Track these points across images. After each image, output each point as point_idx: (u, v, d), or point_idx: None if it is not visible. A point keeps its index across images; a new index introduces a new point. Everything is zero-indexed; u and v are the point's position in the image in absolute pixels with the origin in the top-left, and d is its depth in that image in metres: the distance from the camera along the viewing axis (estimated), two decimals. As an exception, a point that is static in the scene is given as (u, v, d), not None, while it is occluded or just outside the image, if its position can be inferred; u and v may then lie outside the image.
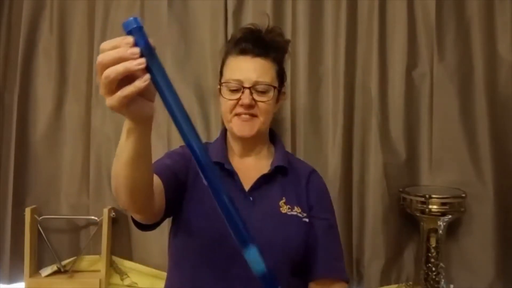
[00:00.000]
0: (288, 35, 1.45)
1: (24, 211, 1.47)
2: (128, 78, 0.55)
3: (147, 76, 0.55)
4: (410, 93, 1.44)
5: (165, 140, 1.48)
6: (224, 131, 1.13)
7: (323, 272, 1.01)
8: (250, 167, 1.05)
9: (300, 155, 1.44)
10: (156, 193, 0.81)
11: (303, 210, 1.02)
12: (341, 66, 1.43)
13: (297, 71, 1.45)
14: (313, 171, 1.12)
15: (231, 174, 1.01)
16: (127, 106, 0.57)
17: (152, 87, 0.57)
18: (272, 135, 1.16)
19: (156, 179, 0.85)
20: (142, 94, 0.58)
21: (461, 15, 1.43)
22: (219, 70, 1.12)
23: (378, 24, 1.43)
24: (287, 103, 1.45)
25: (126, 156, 0.68)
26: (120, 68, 0.55)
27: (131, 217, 0.90)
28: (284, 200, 1.00)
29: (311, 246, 1.01)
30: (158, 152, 1.44)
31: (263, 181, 1.02)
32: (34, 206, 1.50)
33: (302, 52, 1.45)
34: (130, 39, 0.57)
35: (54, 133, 1.54)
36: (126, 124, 0.64)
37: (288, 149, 1.43)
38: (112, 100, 0.56)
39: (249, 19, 1.43)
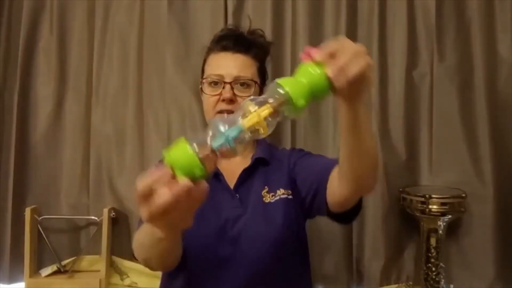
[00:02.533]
0: (288, 35, 1.46)
1: (24, 211, 1.47)
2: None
3: (165, 194, 0.50)
4: (410, 93, 1.45)
5: (165, 140, 1.48)
6: None
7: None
8: (238, 165, 1.03)
9: (300, 155, 1.44)
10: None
11: (286, 189, 1.00)
12: (341, 66, 1.42)
13: (297, 71, 1.45)
14: (292, 149, 1.13)
15: (216, 175, 1.00)
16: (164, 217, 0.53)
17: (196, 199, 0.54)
18: None
19: None
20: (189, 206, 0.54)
21: (461, 15, 1.43)
22: (201, 68, 1.11)
23: (378, 24, 1.43)
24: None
25: (157, 253, 0.72)
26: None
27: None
28: (266, 189, 0.99)
29: (308, 173, 0.97)
30: (158, 151, 1.46)
31: (245, 175, 1.01)
32: (34, 206, 1.50)
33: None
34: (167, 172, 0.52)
35: (54, 133, 1.54)
36: (160, 234, 0.59)
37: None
38: (145, 212, 0.52)
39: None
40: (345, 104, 0.65)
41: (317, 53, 0.58)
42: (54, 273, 1.50)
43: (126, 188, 1.51)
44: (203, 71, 1.09)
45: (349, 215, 0.89)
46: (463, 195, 1.33)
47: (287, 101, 0.57)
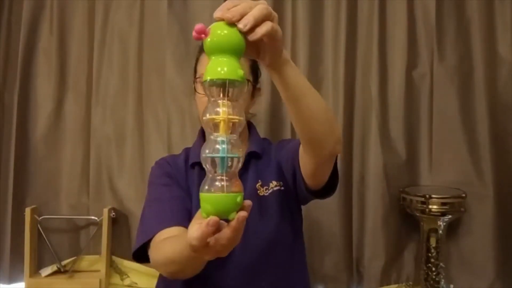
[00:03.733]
0: (288, 35, 1.46)
1: (24, 211, 1.47)
2: None
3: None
4: (410, 93, 1.45)
5: (165, 140, 1.48)
6: (202, 131, 1.12)
7: None
8: None
9: (300, 155, 1.44)
10: None
11: (278, 180, 1.01)
12: (341, 66, 1.43)
13: (297, 71, 1.45)
14: (280, 141, 1.13)
15: None
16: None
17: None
18: (250, 127, 1.14)
19: (183, 231, 0.86)
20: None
21: (461, 15, 1.43)
22: (193, 69, 1.10)
23: (378, 24, 1.43)
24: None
25: (193, 268, 0.77)
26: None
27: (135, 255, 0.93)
28: (260, 183, 1.00)
29: (287, 158, 0.98)
30: (158, 151, 1.46)
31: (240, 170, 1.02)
32: (34, 206, 1.50)
33: (302, 53, 1.44)
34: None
35: (54, 133, 1.54)
36: (202, 258, 0.67)
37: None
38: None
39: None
40: (269, 68, 0.68)
41: (221, 12, 0.60)
42: (54, 273, 1.49)
43: (126, 188, 1.51)
44: (195, 71, 1.09)
45: (327, 189, 0.91)
46: (463, 195, 1.33)
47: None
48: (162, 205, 0.95)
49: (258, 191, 0.99)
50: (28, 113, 1.54)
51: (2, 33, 1.55)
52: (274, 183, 1.00)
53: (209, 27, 0.61)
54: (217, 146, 0.58)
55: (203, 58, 1.07)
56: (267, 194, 0.99)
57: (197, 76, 1.05)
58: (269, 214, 0.97)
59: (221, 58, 0.59)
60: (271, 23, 0.60)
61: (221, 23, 0.59)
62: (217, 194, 0.57)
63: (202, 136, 1.11)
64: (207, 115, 0.59)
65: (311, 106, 0.73)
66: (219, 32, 0.59)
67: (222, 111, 0.58)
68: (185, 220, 0.89)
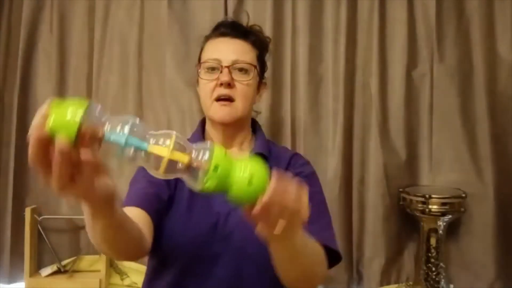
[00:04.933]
0: (288, 35, 1.46)
1: (24, 211, 1.47)
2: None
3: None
4: (410, 93, 1.45)
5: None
6: (202, 123, 1.07)
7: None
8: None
9: (300, 155, 1.44)
10: (145, 231, 0.76)
11: None
12: (341, 66, 1.43)
13: (297, 71, 1.45)
14: (294, 155, 1.06)
15: None
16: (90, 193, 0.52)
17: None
18: (254, 126, 1.09)
19: (140, 214, 0.81)
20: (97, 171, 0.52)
21: (461, 15, 1.43)
22: (198, 57, 1.05)
23: (378, 24, 1.43)
24: (287, 103, 1.45)
25: (100, 237, 0.64)
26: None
27: None
28: None
29: None
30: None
31: None
32: (34, 206, 1.50)
33: (302, 52, 1.44)
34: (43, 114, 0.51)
35: (54, 133, 1.54)
36: (88, 209, 0.57)
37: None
38: (70, 199, 0.52)
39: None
40: (274, 244, 0.64)
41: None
42: (54, 273, 1.50)
43: (126, 188, 1.50)
44: (199, 60, 1.03)
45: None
46: (463, 195, 1.33)
47: (203, 171, 0.52)
48: (134, 187, 0.93)
49: None
50: (28, 113, 1.54)
51: (2, 33, 1.55)
52: None
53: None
54: (139, 138, 0.51)
55: (208, 44, 1.02)
56: None
57: (201, 61, 1.00)
58: None
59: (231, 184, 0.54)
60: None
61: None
62: (78, 115, 0.49)
63: (202, 127, 1.06)
64: (177, 137, 0.53)
65: (304, 264, 0.72)
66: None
67: (176, 156, 0.52)
68: (150, 205, 0.85)
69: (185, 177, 0.54)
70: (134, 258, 0.80)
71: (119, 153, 0.51)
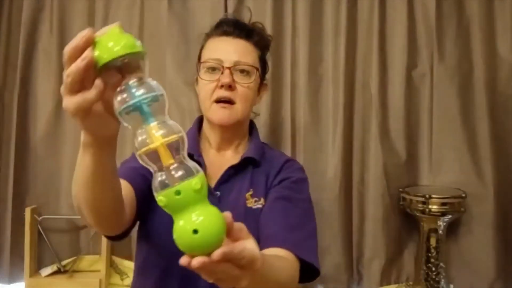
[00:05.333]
0: (288, 35, 1.46)
1: (24, 211, 1.47)
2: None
3: (98, 83, 0.51)
4: (410, 93, 1.45)
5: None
6: (199, 121, 1.05)
7: (275, 241, 0.83)
8: (227, 160, 0.96)
9: (300, 155, 1.44)
10: (126, 204, 0.74)
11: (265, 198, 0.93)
12: (341, 66, 1.43)
13: (297, 71, 1.45)
14: (288, 160, 1.02)
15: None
16: (85, 116, 0.53)
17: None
18: (251, 127, 1.07)
19: (125, 185, 0.79)
20: (109, 111, 0.54)
21: (461, 15, 1.43)
22: (197, 55, 1.03)
23: (378, 24, 1.43)
24: (287, 103, 1.45)
25: (82, 176, 0.61)
26: (73, 67, 0.50)
27: None
28: (251, 192, 0.92)
29: (262, 221, 0.88)
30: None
31: (231, 172, 0.94)
32: (34, 206, 1.50)
33: (302, 52, 1.44)
34: (85, 33, 0.50)
35: (54, 133, 1.54)
36: (82, 137, 0.58)
37: (288, 149, 1.44)
38: (68, 102, 0.52)
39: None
40: None
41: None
42: (54, 273, 1.50)
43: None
44: (199, 58, 1.01)
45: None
46: (463, 195, 1.33)
47: (167, 185, 0.50)
48: (125, 165, 0.91)
49: (247, 201, 0.92)
50: (28, 113, 1.54)
51: (2, 33, 1.55)
52: (264, 201, 0.92)
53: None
54: (149, 103, 0.51)
55: (210, 43, 1.00)
56: (255, 207, 0.91)
57: (202, 61, 0.98)
58: (253, 229, 0.89)
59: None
60: None
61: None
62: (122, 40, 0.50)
63: (198, 124, 1.04)
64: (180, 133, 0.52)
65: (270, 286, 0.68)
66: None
67: (166, 139, 0.50)
68: (135, 180, 0.82)
69: (154, 173, 0.52)
70: (106, 226, 0.74)
71: (126, 106, 0.51)
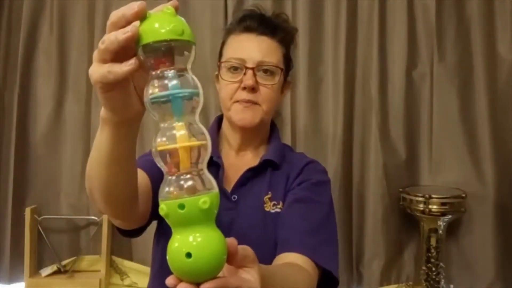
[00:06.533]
0: (288, 35, 1.46)
1: (24, 211, 1.47)
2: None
3: (132, 61, 0.47)
4: (410, 93, 1.45)
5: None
6: (219, 121, 1.00)
7: (291, 246, 0.79)
8: (246, 162, 0.92)
9: (300, 155, 1.44)
10: (141, 194, 0.70)
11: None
12: (341, 66, 1.43)
13: (297, 71, 1.45)
14: (310, 162, 0.96)
15: (217, 169, 0.88)
16: (107, 89, 0.49)
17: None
18: (272, 128, 1.01)
19: (142, 176, 0.76)
20: (137, 92, 0.51)
21: (461, 15, 1.43)
22: (218, 52, 0.96)
23: (378, 24, 1.43)
24: (287, 103, 1.45)
25: (95, 152, 0.58)
26: (112, 36, 0.47)
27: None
28: (269, 195, 0.88)
29: (279, 224, 0.85)
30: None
31: (249, 175, 0.90)
32: (34, 206, 1.50)
33: (302, 52, 1.44)
34: (135, 6, 0.47)
35: (54, 133, 1.54)
36: (102, 112, 0.54)
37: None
38: (94, 69, 0.49)
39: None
40: None
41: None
42: (54, 273, 1.50)
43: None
44: (220, 55, 0.94)
45: None
46: (463, 195, 1.33)
47: (172, 193, 0.46)
48: (143, 157, 0.88)
49: (265, 205, 0.87)
50: (28, 113, 1.54)
51: (2, 33, 1.55)
52: (282, 204, 0.88)
53: None
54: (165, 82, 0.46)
55: (232, 39, 0.93)
56: (273, 211, 0.87)
57: (223, 60, 0.91)
58: (268, 237, 0.83)
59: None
60: None
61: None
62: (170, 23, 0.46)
63: (218, 124, 0.98)
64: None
65: None
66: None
67: (191, 143, 0.47)
68: (153, 172, 0.76)
69: (164, 175, 0.48)
70: (117, 214, 0.70)
71: (156, 96, 0.46)
